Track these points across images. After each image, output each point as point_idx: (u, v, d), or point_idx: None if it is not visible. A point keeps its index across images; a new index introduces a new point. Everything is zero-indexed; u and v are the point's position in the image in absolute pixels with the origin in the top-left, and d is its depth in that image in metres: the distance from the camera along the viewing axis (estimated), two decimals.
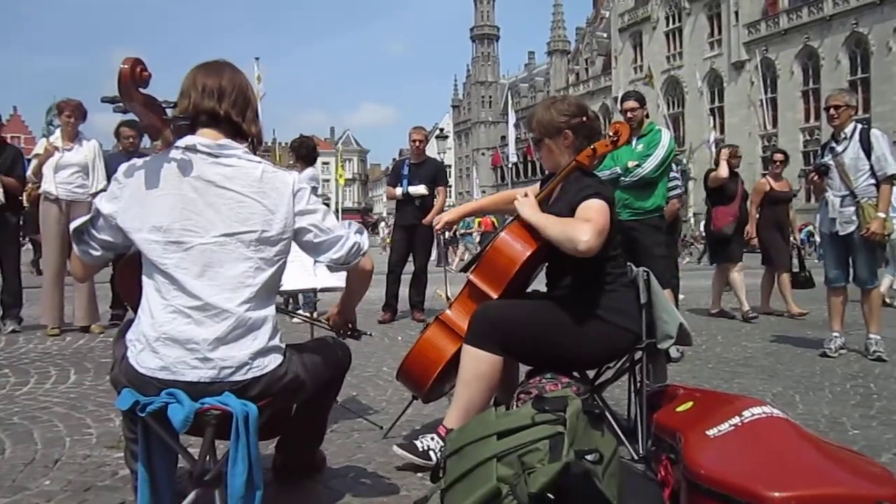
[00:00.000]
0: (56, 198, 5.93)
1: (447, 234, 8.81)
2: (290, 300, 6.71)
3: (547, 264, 2.73)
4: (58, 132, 6.12)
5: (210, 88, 1.95)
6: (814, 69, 47.38)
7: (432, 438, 2.54)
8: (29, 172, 6.15)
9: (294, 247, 2.02)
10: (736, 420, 2.17)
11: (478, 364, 2.45)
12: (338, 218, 2.11)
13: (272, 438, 2.38)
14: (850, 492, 1.83)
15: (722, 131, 51.37)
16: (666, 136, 5.09)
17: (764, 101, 49.60)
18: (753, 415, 2.18)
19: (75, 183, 5.98)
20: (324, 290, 2.97)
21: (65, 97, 6.17)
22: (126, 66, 1.75)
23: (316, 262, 2.13)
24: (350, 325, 2.46)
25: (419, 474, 2.49)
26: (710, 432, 2.15)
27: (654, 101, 46.73)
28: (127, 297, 2.16)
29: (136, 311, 1.94)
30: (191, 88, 1.96)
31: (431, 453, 2.49)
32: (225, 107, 1.95)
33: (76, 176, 5.99)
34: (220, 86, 1.96)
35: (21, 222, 6.61)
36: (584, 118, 2.68)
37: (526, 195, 2.67)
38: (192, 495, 1.81)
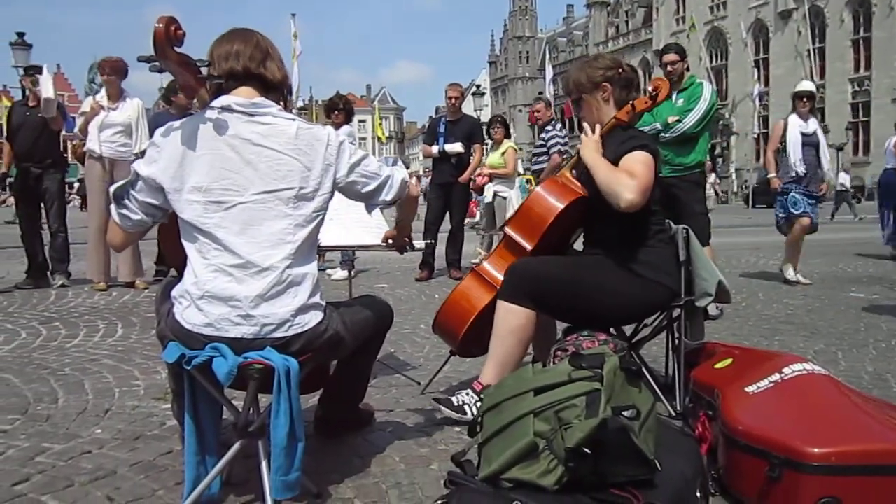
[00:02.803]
0: (100, 156, 6.05)
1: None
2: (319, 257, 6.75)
3: (584, 224, 2.71)
4: (103, 91, 6.22)
5: (225, 54, 1.96)
6: (865, 16, 45.54)
7: (467, 394, 2.57)
8: (76, 129, 6.28)
9: (332, 204, 2.04)
10: (776, 377, 2.15)
11: (511, 318, 2.46)
12: None
13: (314, 392, 2.44)
14: (893, 447, 1.80)
15: (766, 84, 49.90)
16: (707, 90, 4.96)
17: (811, 52, 47.89)
18: (794, 371, 2.16)
19: (119, 142, 6.08)
20: (361, 248, 2.98)
21: (105, 55, 6.25)
22: (160, 25, 1.76)
23: (371, 206, 2.15)
24: (407, 240, 2.54)
25: (457, 428, 2.53)
26: (749, 389, 2.13)
27: (696, 53, 45.47)
28: (171, 258, 2.20)
29: (179, 271, 1.98)
30: (216, 55, 1.97)
31: (466, 408, 2.52)
32: (243, 62, 1.96)
33: (120, 135, 6.10)
34: (234, 48, 1.97)
35: (68, 180, 6.79)
36: (621, 69, 2.66)
37: (594, 132, 2.64)
38: (236, 445, 1.87)
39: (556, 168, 6.89)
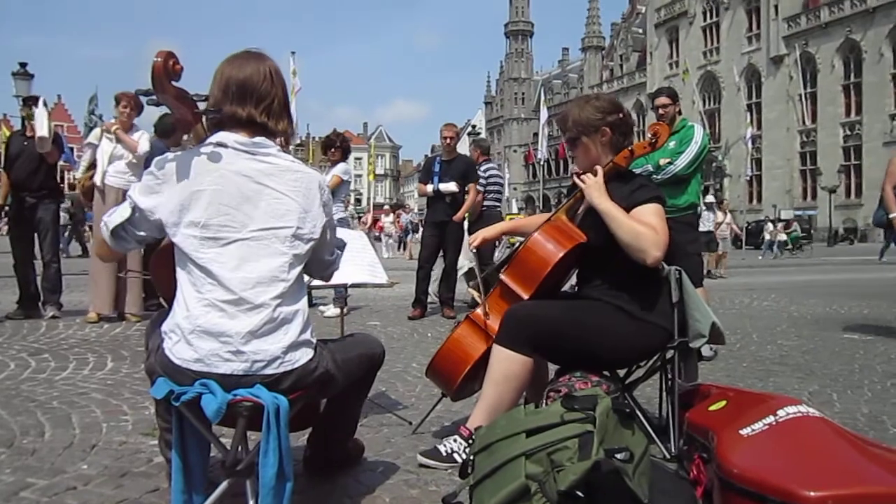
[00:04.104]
0: (110, 187, 6.05)
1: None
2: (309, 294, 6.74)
3: (579, 265, 2.71)
4: (97, 130, 6.26)
5: (233, 88, 1.94)
6: (855, 62, 46.43)
7: (455, 440, 2.54)
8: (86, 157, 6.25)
9: None
10: (770, 419, 2.13)
11: (508, 364, 2.44)
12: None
13: (303, 430, 2.41)
14: (891, 490, 1.78)
15: (759, 127, 50.59)
16: (699, 133, 5.02)
17: (803, 96, 48.70)
18: (788, 413, 2.15)
19: (130, 173, 6.10)
20: (354, 285, 2.99)
21: (99, 86, 6.33)
22: (159, 60, 1.77)
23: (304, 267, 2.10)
24: None
25: (448, 470, 2.49)
26: (744, 431, 2.11)
27: (689, 97, 46.12)
28: (162, 289, 2.19)
29: (168, 304, 1.97)
30: (217, 86, 1.96)
31: (456, 455, 2.48)
32: (249, 109, 1.94)
33: (128, 167, 6.12)
34: (244, 84, 1.94)
35: (67, 212, 6.80)
36: (621, 114, 2.67)
37: (595, 173, 2.58)
38: (224, 484, 1.84)
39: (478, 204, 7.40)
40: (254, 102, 1.95)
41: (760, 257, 25.15)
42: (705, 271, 13.22)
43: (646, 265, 2.39)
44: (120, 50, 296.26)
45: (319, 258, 2.10)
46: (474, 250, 2.96)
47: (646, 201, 2.49)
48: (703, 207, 14.49)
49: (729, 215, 16.79)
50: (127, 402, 3.39)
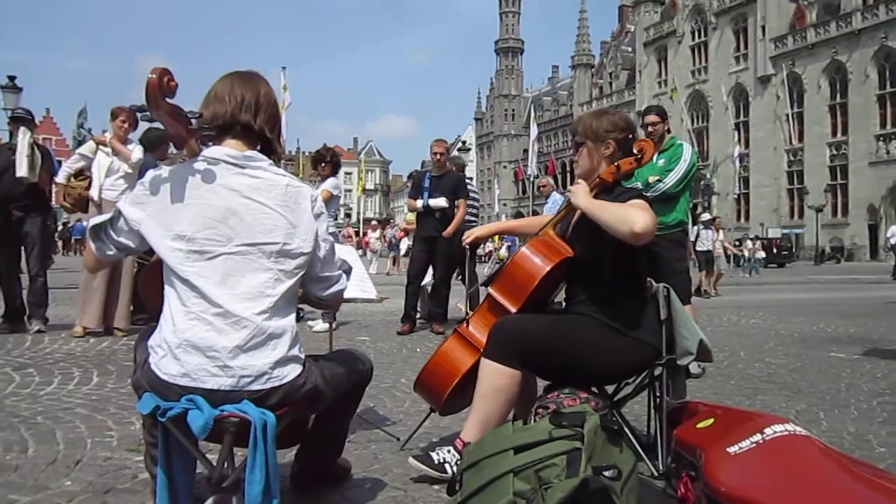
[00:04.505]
0: (107, 201, 6.03)
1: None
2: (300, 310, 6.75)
3: (567, 280, 2.72)
4: (91, 143, 6.25)
5: (248, 102, 1.98)
6: (841, 83, 47.02)
7: (448, 451, 2.53)
8: (77, 166, 6.21)
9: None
10: (757, 437, 2.14)
11: (496, 377, 2.45)
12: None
13: (291, 447, 2.39)
14: None
15: (747, 146, 51.08)
16: (687, 151, 5.06)
17: (790, 116, 49.23)
18: (775, 432, 2.16)
19: (126, 185, 6.09)
20: (346, 300, 2.98)
21: (88, 100, 6.34)
22: (154, 76, 1.78)
23: (301, 286, 2.08)
24: None
25: (436, 486, 2.48)
26: (732, 449, 2.12)
27: (678, 115, 46.53)
28: (149, 305, 2.18)
29: (156, 319, 1.96)
30: (228, 96, 1.98)
31: (447, 466, 2.48)
32: (260, 122, 1.99)
33: (124, 180, 6.12)
34: (258, 100, 2.00)
35: (54, 224, 6.77)
36: (630, 135, 2.72)
37: (579, 184, 2.66)
38: (209, 501, 1.82)
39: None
40: (265, 118, 2.00)
41: (742, 275, 25.20)
42: (702, 292, 13.17)
43: (634, 234, 2.31)
44: (110, 64, 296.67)
45: (310, 274, 2.04)
46: (467, 247, 3.01)
47: (630, 198, 2.53)
48: (702, 226, 14.42)
49: (722, 233, 16.43)
50: (112, 418, 3.36)
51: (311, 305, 2.23)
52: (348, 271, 2.18)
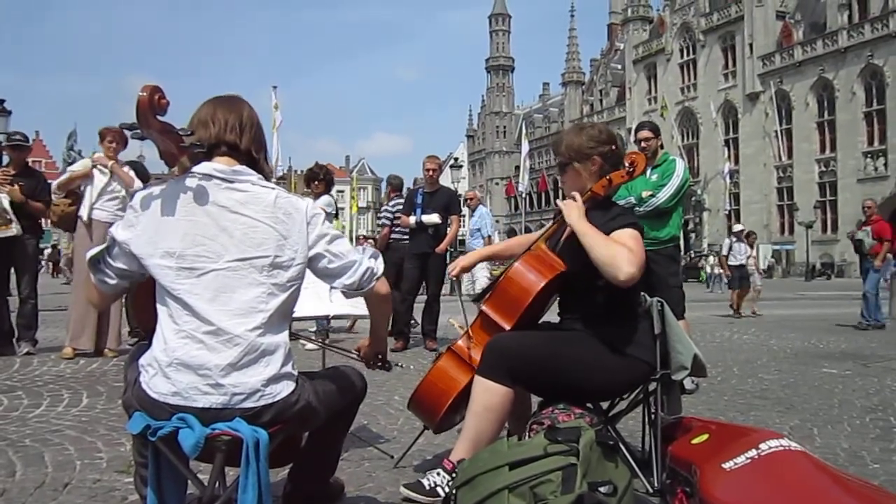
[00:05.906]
0: (98, 221, 5.99)
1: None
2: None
3: (560, 294, 2.71)
4: (86, 161, 6.23)
5: (232, 124, 1.99)
6: (829, 100, 47.48)
7: (438, 473, 2.50)
8: (64, 178, 6.17)
9: (308, 273, 2.03)
10: (752, 453, 2.13)
11: (489, 396, 2.43)
12: (352, 242, 2.12)
13: (283, 466, 2.37)
14: None
15: (736, 162, 51.45)
16: (680, 166, 5.09)
17: (779, 133, 49.66)
18: (770, 447, 2.15)
19: (117, 207, 6.05)
20: (336, 316, 2.97)
21: (78, 122, 6.33)
22: (144, 94, 1.77)
23: (331, 287, 2.12)
24: (380, 357, 2.46)
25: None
26: (727, 465, 2.11)
27: (668, 131, 46.89)
28: (142, 324, 2.17)
29: (148, 338, 1.95)
30: (211, 120, 1.99)
31: (439, 489, 2.45)
32: (246, 142, 2.00)
33: (117, 201, 6.09)
34: (241, 122, 2.01)
35: (40, 245, 6.71)
36: (614, 146, 2.70)
37: (574, 198, 2.61)
38: None
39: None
40: (249, 139, 2.01)
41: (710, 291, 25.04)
42: (736, 310, 12.45)
43: (618, 282, 2.33)
44: (98, 85, 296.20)
45: (321, 267, 2.01)
46: (454, 279, 2.97)
47: (622, 227, 2.50)
48: (734, 238, 13.24)
49: (754, 248, 14.26)
50: (102, 439, 3.32)
51: (352, 296, 2.14)
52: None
